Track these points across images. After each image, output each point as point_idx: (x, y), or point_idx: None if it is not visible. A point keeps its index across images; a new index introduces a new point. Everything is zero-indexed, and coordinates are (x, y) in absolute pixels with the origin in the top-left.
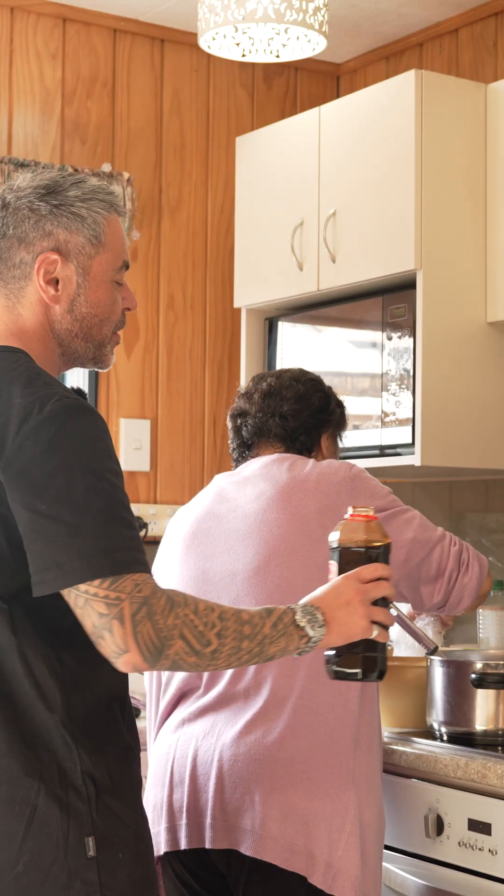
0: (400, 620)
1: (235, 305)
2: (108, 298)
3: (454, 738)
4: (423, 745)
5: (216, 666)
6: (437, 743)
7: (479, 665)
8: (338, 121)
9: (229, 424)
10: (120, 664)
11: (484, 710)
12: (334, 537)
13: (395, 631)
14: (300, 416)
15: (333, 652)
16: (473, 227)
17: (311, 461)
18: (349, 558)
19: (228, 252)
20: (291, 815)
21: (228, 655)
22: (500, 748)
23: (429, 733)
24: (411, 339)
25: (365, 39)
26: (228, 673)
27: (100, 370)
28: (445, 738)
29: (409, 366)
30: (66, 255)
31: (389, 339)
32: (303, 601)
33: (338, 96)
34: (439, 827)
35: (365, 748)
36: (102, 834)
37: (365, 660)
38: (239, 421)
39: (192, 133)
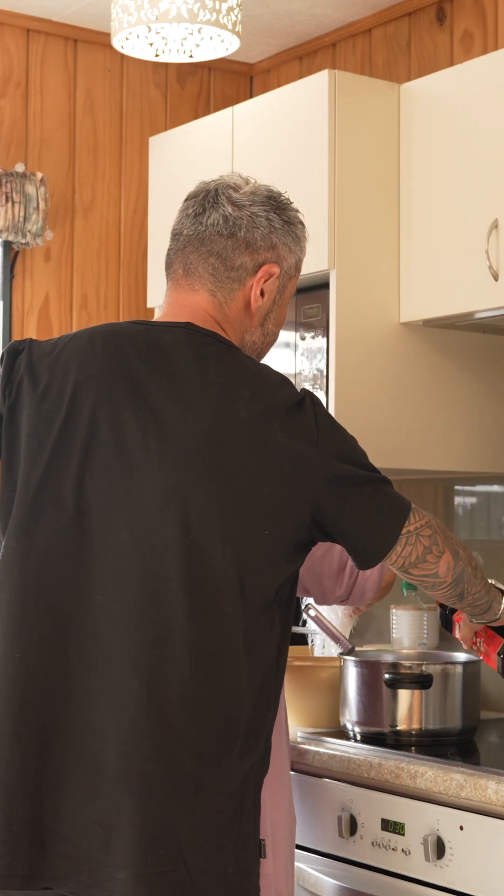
0: (317, 620)
1: (148, 305)
2: (284, 320)
3: (367, 738)
4: (336, 745)
5: (455, 587)
6: (351, 743)
7: (392, 665)
8: (251, 121)
9: None
10: (441, 564)
11: (397, 711)
12: None
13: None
14: None
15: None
16: (387, 228)
17: None
18: None
19: (142, 252)
20: None
21: (466, 573)
22: (413, 748)
23: (342, 733)
24: (325, 340)
25: (278, 39)
26: None
27: None
28: (359, 738)
29: (323, 366)
30: (279, 272)
31: (303, 339)
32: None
33: (251, 96)
34: (352, 827)
35: (273, 747)
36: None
37: None
38: None
39: (106, 133)
